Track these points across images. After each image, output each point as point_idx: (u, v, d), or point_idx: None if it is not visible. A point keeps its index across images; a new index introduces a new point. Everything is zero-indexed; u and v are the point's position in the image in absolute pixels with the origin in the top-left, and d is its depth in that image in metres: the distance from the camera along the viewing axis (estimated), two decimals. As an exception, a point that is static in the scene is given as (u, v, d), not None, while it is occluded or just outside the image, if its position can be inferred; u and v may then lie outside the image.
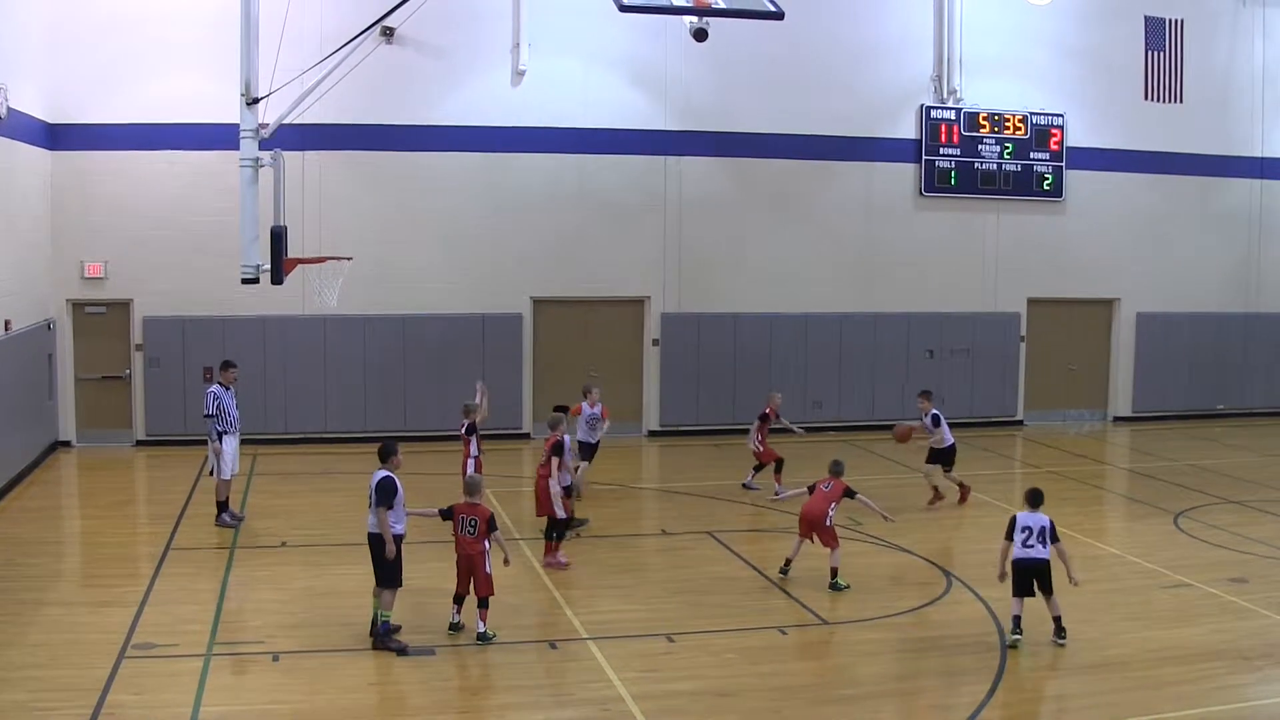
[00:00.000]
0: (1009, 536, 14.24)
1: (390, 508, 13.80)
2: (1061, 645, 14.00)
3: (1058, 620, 14.18)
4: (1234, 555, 18.24)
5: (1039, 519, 14.20)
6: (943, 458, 21.41)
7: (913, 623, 14.11)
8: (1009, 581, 14.20)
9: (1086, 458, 26.66)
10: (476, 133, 26.72)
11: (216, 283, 24.36)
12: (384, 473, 14.03)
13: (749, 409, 27.89)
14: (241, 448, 19.89)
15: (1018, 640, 14.03)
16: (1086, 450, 27.57)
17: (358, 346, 26.46)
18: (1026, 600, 14.09)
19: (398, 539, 13.93)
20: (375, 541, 13.91)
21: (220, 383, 19.31)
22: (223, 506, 19.25)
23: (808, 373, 28.79)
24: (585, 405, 21.55)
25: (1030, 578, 14.10)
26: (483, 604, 14.12)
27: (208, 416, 19.13)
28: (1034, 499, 14.43)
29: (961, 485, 21.34)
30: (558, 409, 19.09)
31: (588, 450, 21.47)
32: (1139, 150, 30.51)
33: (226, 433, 19.14)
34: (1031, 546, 14.09)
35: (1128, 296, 30.96)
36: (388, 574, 13.87)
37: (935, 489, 21.21)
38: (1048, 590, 14.15)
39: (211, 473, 19.41)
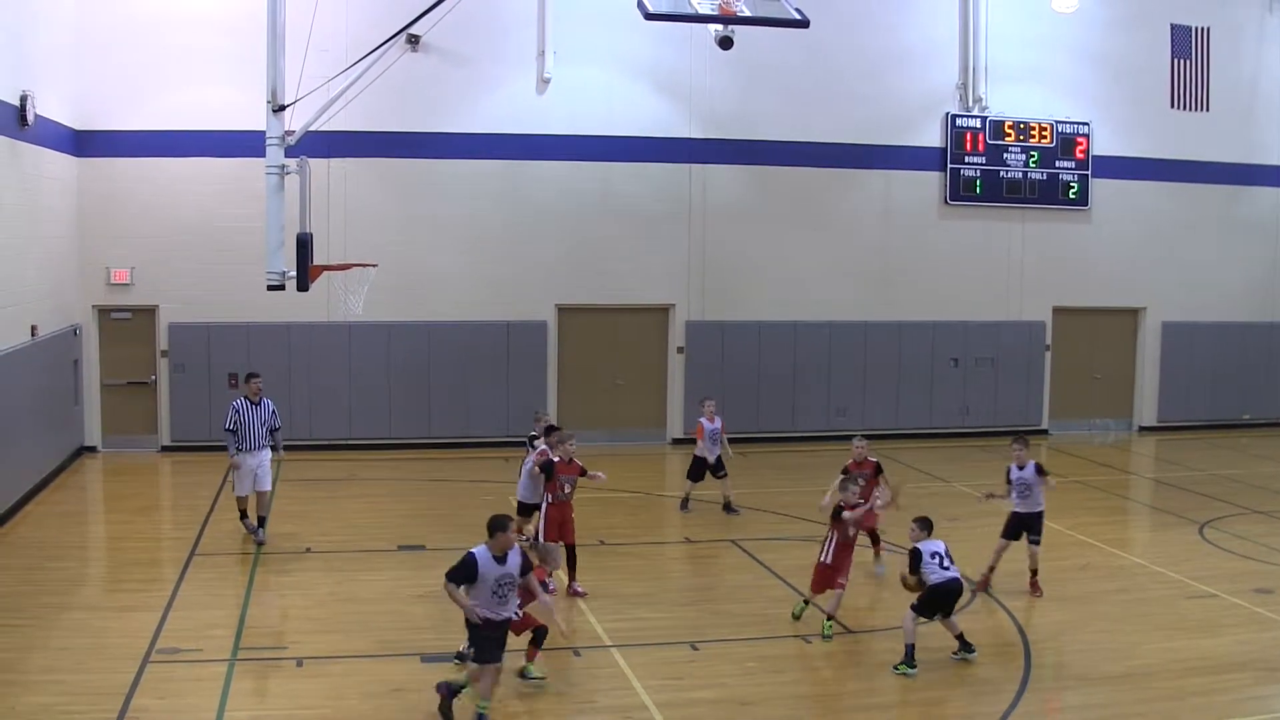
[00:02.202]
0: (918, 569, 13.80)
1: (454, 581, 11.88)
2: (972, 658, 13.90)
3: (962, 637, 13.96)
4: (1260, 566, 18.14)
5: (939, 544, 13.98)
6: (1029, 527, 16.69)
7: (936, 632, 14.06)
8: (926, 601, 13.86)
9: (1111, 467, 26.56)
10: (501, 140, 26.77)
11: (242, 289, 24.42)
12: (477, 548, 12.06)
13: (772, 417, 28.03)
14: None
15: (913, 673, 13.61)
16: (1111, 460, 27.47)
17: (382, 353, 26.52)
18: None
19: (491, 621, 12.00)
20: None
21: (246, 396, 18.85)
22: (243, 514, 18.91)
23: (831, 381, 28.73)
24: (705, 421, 21.14)
25: (953, 599, 13.88)
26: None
27: (227, 430, 18.70)
28: (928, 525, 14.14)
29: (1034, 574, 16.64)
30: (552, 428, 17.63)
31: (713, 466, 21.14)
32: (1165, 159, 30.37)
33: (242, 449, 18.54)
34: (949, 569, 13.86)
35: (1153, 305, 30.83)
36: (477, 645, 12.15)
37: (992, 568, 16.81)
38: (952, 610, 14.00)
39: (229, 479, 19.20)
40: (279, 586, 16.58)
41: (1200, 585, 16.93)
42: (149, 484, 24.03)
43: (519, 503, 17.58)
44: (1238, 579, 17.32)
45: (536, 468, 16.60)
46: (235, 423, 18.57)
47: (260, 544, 18.47)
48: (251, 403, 18.73)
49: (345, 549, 18.53)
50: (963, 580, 14.06)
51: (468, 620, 11.95)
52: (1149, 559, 18.53)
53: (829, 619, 14.68)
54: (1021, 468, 16.75)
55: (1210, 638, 14.86)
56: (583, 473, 16.50)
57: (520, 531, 18.32)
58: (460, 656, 13.23)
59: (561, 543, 15.77)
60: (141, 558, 18.28)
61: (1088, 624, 15.37)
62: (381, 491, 23.07)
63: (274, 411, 18.94)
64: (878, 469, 17.70)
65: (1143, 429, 31.06)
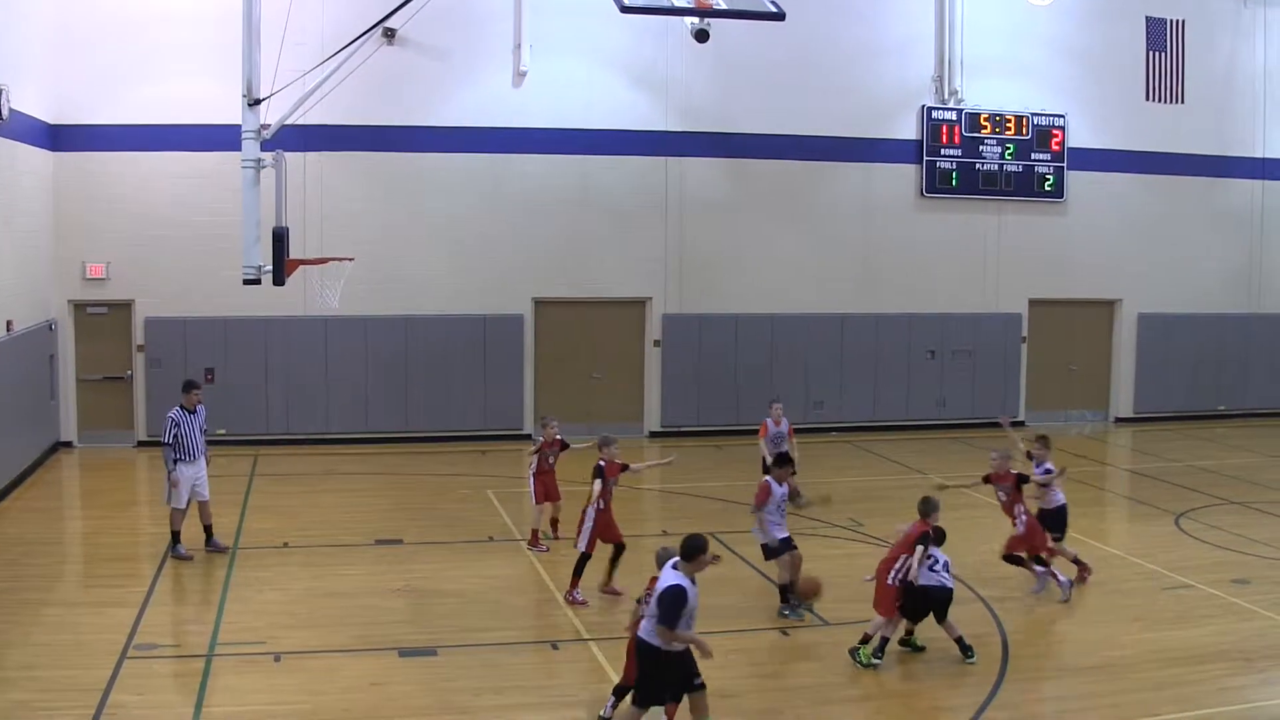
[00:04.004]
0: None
1: (671, 627, 10.68)
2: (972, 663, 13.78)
3: (961, 640, 13.83)
4: (1236, 556, 18.23)
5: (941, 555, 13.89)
6: (1053, 523, 16.72)
7: (915, 624, 14.07)
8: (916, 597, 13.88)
9: (1088, 458, 26.58)
10: (478, 134, 26.72)
11: (218, 284, 24.32)
12: (674, 579, 10.86)
13: (750, 410, 27.91)
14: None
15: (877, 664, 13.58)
16: (1088, 451, 27.51)
17: (359, 347, 26.46)
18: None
19: (652, 651, 10.90)
20: (642, 650, 11.04)
21: (182, 405, 17.81)
22: (176, 536, 17.68)
23: (809, 374, 28.77)
24: (770, 423, 20.78)
25: (935, 604, 13.83)
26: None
27: (165, 445, 17.78)
28: (939, 537, 14.01)
29: (1078, 564, 16.80)
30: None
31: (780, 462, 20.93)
32: (1140, 151, 30.51)
33: (183, 460, 17.62)
34: (936, 571, 13.82)
35: (1129, 297, 30.96)
36: (649, 683, 11.03)
37: (1077, 560, 16.82)
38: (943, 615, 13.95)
39: (168, 500, 17.90)
40: (256, 582, 16.49)
41: (1177, 576, 17.00)
42: (125, 479, 23.91)
43: (764, 546, 15.86)
44: (1214, 569, 17.40)
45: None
46: (176, 435, 17.67)
47: (223, 549, 17.82)
48: (188, 411, 17.87)
49: (323, 543, 18.50)
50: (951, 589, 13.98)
51: (646, 665, 10.90)
52: (1125, 550, 18.59)
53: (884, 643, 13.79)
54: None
55: (1187, 628, 14.93)
56: (624, 468, 16.45)
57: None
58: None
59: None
60: (119, 553, 18.16)
61: (1064, 615, 15.43)
62: (359, 486, 22.99)
63: (204, 417, 18.21)
64: (1020, 480, 16.41)
65: (1119, 420, 31.20)
